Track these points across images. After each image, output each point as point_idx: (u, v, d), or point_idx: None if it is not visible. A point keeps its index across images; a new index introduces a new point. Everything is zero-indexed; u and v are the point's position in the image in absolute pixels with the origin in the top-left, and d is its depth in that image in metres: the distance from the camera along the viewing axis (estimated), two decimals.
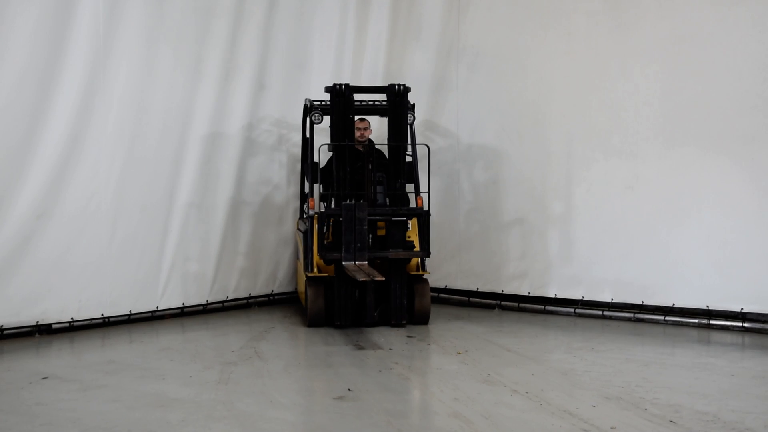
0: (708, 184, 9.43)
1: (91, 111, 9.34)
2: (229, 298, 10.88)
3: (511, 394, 6.62)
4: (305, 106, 10.29)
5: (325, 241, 9.23)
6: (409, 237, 9.51)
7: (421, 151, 10.03)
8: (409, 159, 9.91)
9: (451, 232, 11.45)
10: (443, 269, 11.43)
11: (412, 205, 9.74)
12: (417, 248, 9.44)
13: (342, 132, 9.46)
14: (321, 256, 9.12)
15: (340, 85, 9.43)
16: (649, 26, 9.83)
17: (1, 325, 8.83)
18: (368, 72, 11.79)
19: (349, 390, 6.86)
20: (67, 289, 9.26)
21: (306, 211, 9.80)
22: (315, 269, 9.35)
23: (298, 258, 10.81)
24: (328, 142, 9.74)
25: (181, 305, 10.34)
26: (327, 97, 9.91)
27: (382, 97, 10.06)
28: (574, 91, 10.41)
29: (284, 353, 8.56)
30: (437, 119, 11.63)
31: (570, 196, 10.45)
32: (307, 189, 10.28)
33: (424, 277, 9.67)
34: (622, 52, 10.04)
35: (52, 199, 9.06)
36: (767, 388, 6.92)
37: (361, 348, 8.64)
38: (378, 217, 9.38)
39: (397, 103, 9.61)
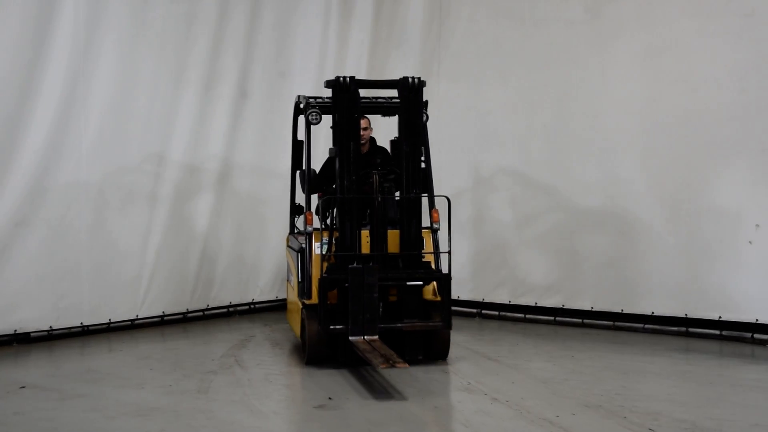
0: (687, 192, 9.50)
1: (71, 119, 9.39)
2: (209, 307, 10.93)
3: (491, 403, 6.63)
4: (296, 104, 9.36)
5: (328, 263, 7.90)
6: (423, 257, 8.22)
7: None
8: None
9: None
10: None
11: (426, 222, 8.28)
12: (432, 264, 8.15)
13: (347, 133, 8.07)
14: (323, 329, 7.65)
15: (344, 77, 8.07)
16: (629, 37, 9.92)
17: None
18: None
19: (330, 399, 6.87)
20: (45, 297, 9.27)
21: (303, 227, 8.42)
22: (314, 296, 7.90)
23: (288, 280, 9.65)
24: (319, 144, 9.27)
25: (162, 313, 10.38)
26: (319, 93, 9.37)
27: (383, 93, 9.01)
28: (554, 100, 10.49)
29: (265, 362, 8.54)
30: None
31: (550, 205, 10.54)
32: (298, 200, 9.36)
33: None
34: (603, 62, 10.12)
35: (30, 207, 9.07)
36: (745, 396, 7.00)
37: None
38: (390, 283, 7.98)
39: (410, 100, 8.21)
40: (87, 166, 9.52)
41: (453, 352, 8.61)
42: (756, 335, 9.08)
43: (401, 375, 7.88)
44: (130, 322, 10.06)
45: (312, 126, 8.49)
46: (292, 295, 9.04)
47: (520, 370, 7.92)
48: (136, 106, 9.98)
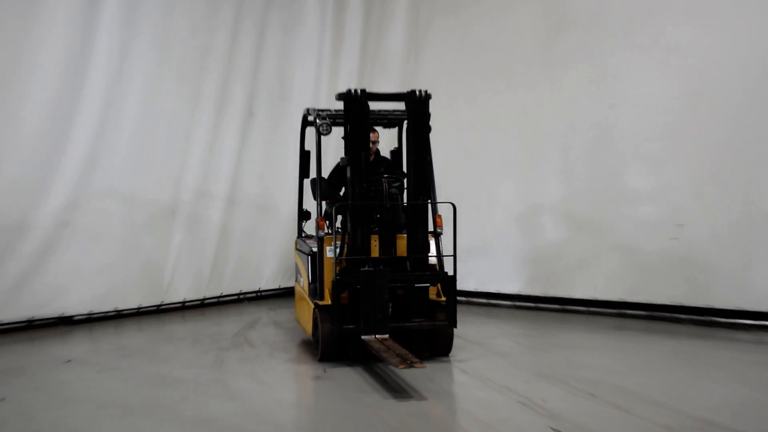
0: (616, 201, 9.62)
1: (106, 137, 9.38)
2: (223, 294, 10.86)
3: (460, 374, 6.74)
4: (304, 117, 8.52)
5: (340, 266, 6.97)
6: (429, 260, 7.39)
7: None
8: None
9: None
10: None
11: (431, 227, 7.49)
12: (438, 266, 7.35)
13: (359, 143, 7.14)
14: (336, 329, 6.85)
15: (356, 90, 7.18)
16: (578, 67, 9.98)
17: (31, 317, 8.87)
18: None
19: (324, 371, 6.93)
20: (85, 287, 9.26)
21: (315, 231, 7.43)
22: (327, 297, 7.09)
23: (296, 281, 8.54)
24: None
25: (183, 300, 10.35)
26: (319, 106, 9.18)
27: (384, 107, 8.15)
28: (513, 120, 10.49)
29: (270, 340, 8.51)
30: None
31: (507, 209, 10.57)
32: (306, 206, 8.66)
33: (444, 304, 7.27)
34: (553, 87, 10.18)
35: (71, 213, 9.08)
36: (667, 365, 7.11)
37: None
38: (399, 284, 7.09)
39: (418, 111, 7.32)
40: (119, 178, 9.51)
41: None
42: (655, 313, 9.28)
43: None
44: (156, 308, 10.04)
45: (323, 135, 7.48)
46: (302, 295, 8.06)
47: (484, 347, 7.91)
48: (160, 126, 9.95)
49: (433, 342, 7.26)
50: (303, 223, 8.55)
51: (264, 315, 10.08)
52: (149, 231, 9.90)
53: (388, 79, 11.64)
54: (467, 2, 11.07)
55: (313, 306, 7.30)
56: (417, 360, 6.11)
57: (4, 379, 6.82)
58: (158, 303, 10.08)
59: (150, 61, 9.81)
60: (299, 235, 8.58)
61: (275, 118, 11.30)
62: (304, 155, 8.53)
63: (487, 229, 10.74)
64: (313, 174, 8.00)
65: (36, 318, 8.94)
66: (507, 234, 10.60)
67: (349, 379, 6.69)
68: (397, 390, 6.25)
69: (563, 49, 10.11)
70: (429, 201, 7.32)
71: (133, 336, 8.78)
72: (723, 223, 8.82)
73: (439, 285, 7.33)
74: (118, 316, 9.65)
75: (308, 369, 7.14)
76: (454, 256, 7.05)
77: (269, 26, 11.07)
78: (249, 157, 11.05)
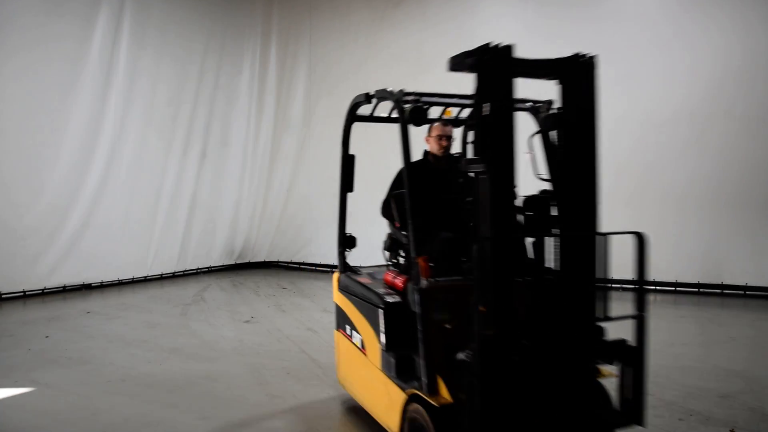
0: None
1: (112, 170, 9.40)
2: (186, 269, 10.76)
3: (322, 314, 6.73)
4: (354, 106, 4.14)
5: (486, 339, 2.58)
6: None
7: None
8: None
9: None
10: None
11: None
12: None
13: (505, 135, 2.59)
14: None
15: (496, 45, 2.58)
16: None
17: (65, 284, 8.93)
18: (262, 148, 11.66)
19: (252, 317, 7.09)
20: (99, 264, 9.26)
21: (416, 279, 3.17)
22: (445, 392, 2.92)
23: (341, 329, 4.18)
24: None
25: (161, 273, 10.27)
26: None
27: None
28: (368, 163, 10.65)
29: (218, 298, 8.53)
30: None
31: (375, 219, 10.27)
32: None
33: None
34: (393, 143, 10.33)
35: (89, 217, 9.12)
36: None
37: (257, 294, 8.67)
38: (568, 368, 2.78)
39: (581, 89, 2.74)
40: (120, 196, 9.48)
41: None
42: None
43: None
44: (143, 278, 9.94)
45: (414, 126, 3.33)
46: (357, 356, 3.86)
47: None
48: (146, 163, 9.89)
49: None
50: (346, 253, 4.34)
51: (213, 282, 9.96)
52: (138, 230, 9.83)
53: (291, 135, 11.53)
54: (341, 98, 11.11)
55: (405, 396, 3.23)
56: None
57: (48, 323, 6.89)
58: (145, 275, 10.01)
59: (140, 122, 9.74)
60: (342, 270, 4.29)
61: (220, 157, 11.19)
62: (348, 160, 4.26)
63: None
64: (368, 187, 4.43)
65: (68, 284, 8.97)
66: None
67: (271, 321, 6.72)
68: (298, 328, 6.32)
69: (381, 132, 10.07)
70: (606, 233, 2.89)
71: (129, 296, 8.76)
72: None
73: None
74: (120, 284, 9.61)
75: (241, 316, 7.14)
76: (641, 317, 2.87)
77: (217, 100, 11.01)
78: (203, 182, 10.92)
